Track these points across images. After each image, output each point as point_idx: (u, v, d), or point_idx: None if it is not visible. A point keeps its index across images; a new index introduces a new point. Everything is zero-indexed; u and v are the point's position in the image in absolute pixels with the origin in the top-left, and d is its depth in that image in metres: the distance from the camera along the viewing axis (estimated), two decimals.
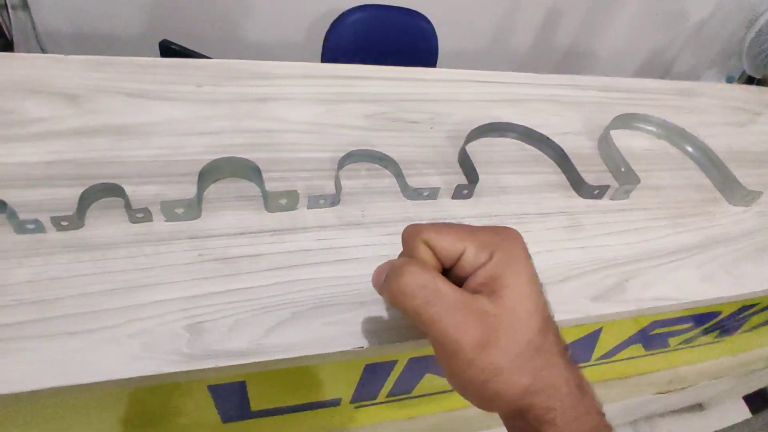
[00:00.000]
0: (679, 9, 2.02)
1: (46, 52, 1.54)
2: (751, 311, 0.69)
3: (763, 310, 0.70)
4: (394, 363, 0.52)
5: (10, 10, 1.36)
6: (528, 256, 0.27)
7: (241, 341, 0.31)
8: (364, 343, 0.33)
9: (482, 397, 0.26)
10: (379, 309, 0.35)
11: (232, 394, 0.49)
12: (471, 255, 0.26)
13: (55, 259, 0.33)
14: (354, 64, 0.58)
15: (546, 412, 0.25)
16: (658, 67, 2.30)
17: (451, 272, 0.28)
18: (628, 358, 0.75)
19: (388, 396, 0.61)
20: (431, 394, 0.65)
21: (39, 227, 0.34)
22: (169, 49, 0.77)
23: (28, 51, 1.51)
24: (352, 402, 0.60)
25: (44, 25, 1.49)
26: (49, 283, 0.32)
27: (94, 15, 1.47)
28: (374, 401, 0.62)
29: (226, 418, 0.55)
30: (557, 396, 0.25)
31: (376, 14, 1.33)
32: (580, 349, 0.65)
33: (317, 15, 1.59)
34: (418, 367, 0.54)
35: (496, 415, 0.28)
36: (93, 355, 0.29)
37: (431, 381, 0.60)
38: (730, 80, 1.91)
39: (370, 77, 0.57)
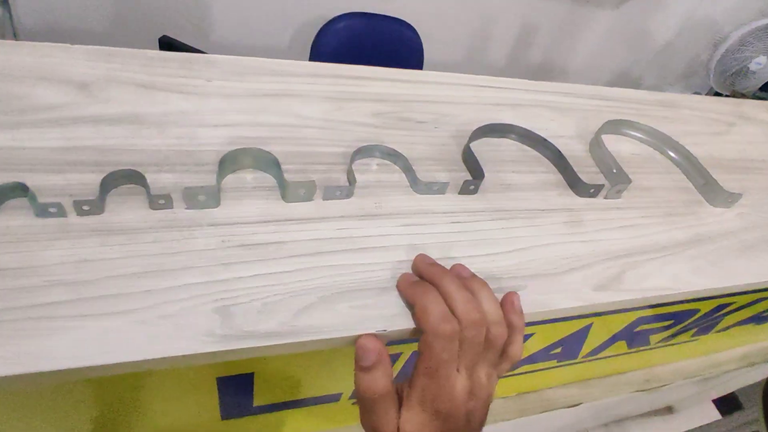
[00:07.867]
0: (645, 30, 2.13)
1: None
2: (725, 310, 0.73)
3: (736, 310, 0.74)
4: (398, 356, 0.53)
5: None
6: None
7: (272, 323, 0.32)
8: (387, 326, 0.34)
9: None
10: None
11: (238, 387, 0.49)
12: None
13: (82, 242, 0.33)
14: None
15: None
16: (625, 83, 2.42)
17: None
18: (611, 356, 0.78)
19: None
20: None
21: (60, 211, 0.34)
22: (170, 45, 0.77)
23: None
24: (351, 398, 0.61)
25: (21, 20, 1.45)
26: (80, 265, 0.32)
27: (70, 11, 1.44)
28: None
29: (226, 415, 0.55)
30: None
31: (364, 22, 1.35)
32: (570, 345, 0.67)
33: (302, 21, 1.61)
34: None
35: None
36: (131, 335, 0.29)
37: None
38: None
39: (375, 78, 0.58)
